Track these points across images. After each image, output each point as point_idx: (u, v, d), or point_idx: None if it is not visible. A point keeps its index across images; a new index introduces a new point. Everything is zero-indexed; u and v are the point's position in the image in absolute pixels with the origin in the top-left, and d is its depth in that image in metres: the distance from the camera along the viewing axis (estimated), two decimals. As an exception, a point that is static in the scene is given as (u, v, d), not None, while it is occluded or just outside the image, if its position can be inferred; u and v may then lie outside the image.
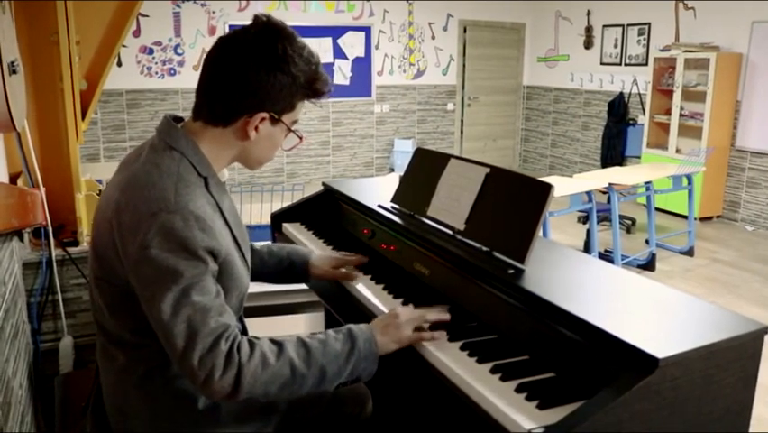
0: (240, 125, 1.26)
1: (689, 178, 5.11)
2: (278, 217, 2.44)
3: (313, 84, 1.29)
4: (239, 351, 1.14)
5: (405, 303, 1.58)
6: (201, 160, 1.26)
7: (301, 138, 1.36)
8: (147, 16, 6.79)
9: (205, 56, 1.28)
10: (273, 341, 1.22)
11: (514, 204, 1.54)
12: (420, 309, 1.43)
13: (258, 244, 1.74)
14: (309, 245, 2.15)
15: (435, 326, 1.41)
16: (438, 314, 1.42)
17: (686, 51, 6.29)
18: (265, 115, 1.25)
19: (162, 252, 1.13)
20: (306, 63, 1.26)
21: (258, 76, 1.22)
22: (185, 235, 1.14)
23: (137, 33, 6.83)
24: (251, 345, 1.17)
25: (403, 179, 2.01)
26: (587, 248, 4.73)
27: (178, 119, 1.32)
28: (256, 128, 1.26)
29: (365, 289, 1.71)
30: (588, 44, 7.98)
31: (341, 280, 1.78)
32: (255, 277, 1.71)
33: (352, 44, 7.90)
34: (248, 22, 1.31)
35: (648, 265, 4.85)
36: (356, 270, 1.81)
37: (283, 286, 2.11)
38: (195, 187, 1.21)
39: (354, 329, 1.30)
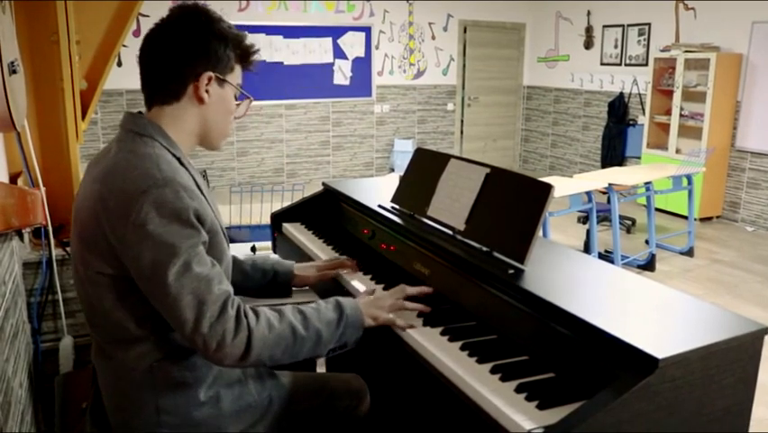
0: (191, 92, 1.31)
1: (689, 178, 5.11)
2: (279, 217, 2.44)
3: (241, 43, 1.37)
4: (246, 315, 1.21)
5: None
6: (171, 142, 1.31)
7: (250, 98, 1.43)
8: (147, 16, 6.78)
9: (138, 56, 1.35)
10: (271, 307, 1.29)
11: (514, 204, 1.54)
12: (400, 295, 1.52)
13: (241, 257, 1.74)
14: (309, 245, 2.15)
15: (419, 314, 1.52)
16: (417, 305, 1.51)
17: (686, 52, 6.29)
18: (210, 74, 1.31)
19: (159, 226, 1.15)
20: (228, 26, 1.35)
21: (190, 43, 1.30)
22: (178, 206, 1.18)
23: (137, 33, 6.82)
24: (255, 311, 1.24)
25: (403, 180, 2.01)
26: (587, 248, 4.73)
27: (137, 114, 1.35)
28: (207, 91, 1.32)
29: (365, 288, 1.71)
30: (588, 44, 7.97)
31: (323, 280, 1.81)
32: (238, 291, 1.71)
33: (352, 44, 7.90)
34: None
35: (648, 266, 4.85)
36: (351, 270, 1.83)
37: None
38: (173, 163, 1.26)
39: (341, 299, 1.41)
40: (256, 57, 1.42)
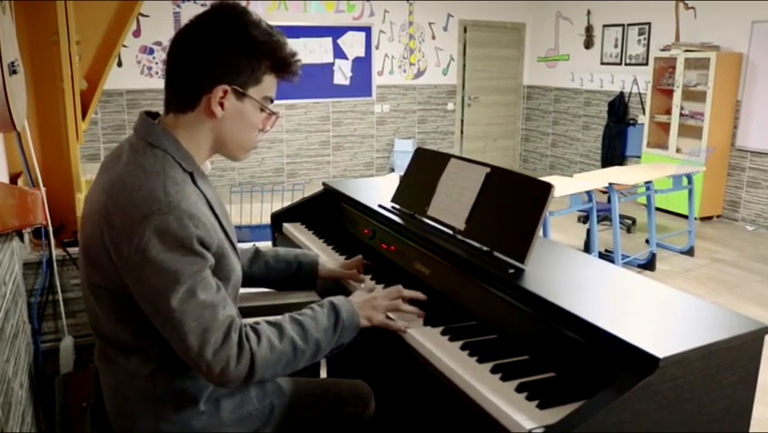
0: (204, 105, 1.23)
1: (689, 177, 5.11)
2: (279, 217, 2.44)
3: (276, 53, 1.25)
4: (248, 339, 1.19)
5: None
6: (184, 155, 1.24)
7: (276, 114, 1.32)
8: (147, 16, 6.79)
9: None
10: (270, 323, 1.27)
11: (514, 204, 1.54)
12: (396, 296, 1.50)
13: (263, 247, 1.72)
14: (310, 245, 2.15)
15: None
16: (414, 308, 1.50)
17: (686, 51, 6.29)
18: (225, 87, 1.22)
19: (161, 253, 1.12)
20: (264, 34, 1.23)
21: (210, 49, 1.21)
22: (181, 235, 1.14)
23: (137, 33, 6.83)
24: (256, 331, 1.22)
25: (403, 179, 2.01)
26: (587, 248, 4.73)
27: (154, 115, 1.29)
28: (221, 104, 1.23)
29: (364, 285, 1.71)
30: (588, 44, 7.97)
31: (349, 279, 1.79)
32: (260, 283, 1.71)
33: (353, 44, 7.90)
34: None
35: (648, 265, 4.85)
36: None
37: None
38: (183, 183, 1.20)
39: (336, 303, 1.38)
40: (295, 67, 1.29)
